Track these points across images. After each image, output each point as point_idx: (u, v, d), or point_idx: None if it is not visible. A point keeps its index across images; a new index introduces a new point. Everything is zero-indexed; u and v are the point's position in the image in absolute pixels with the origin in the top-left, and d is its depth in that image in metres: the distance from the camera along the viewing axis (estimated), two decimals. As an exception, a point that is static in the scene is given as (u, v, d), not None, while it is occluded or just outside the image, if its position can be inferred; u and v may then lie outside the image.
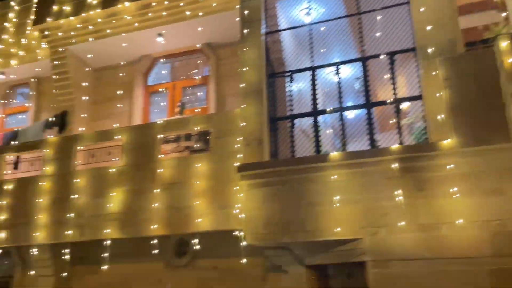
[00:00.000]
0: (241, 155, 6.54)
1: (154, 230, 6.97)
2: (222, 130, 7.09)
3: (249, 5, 7.13)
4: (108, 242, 7.37)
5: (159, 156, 7.41)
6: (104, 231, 7.23)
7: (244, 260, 6.64)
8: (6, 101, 10.99)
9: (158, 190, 7.12)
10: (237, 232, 6.57)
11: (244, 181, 6.28)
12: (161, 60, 9.77)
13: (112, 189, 7.43)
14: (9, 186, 8.13)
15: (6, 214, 7.97)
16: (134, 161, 7.53)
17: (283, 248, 6.30)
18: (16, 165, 8.67)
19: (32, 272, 7.93)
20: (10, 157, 8.60)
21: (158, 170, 7.25)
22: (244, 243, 6.36)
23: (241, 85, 6.83)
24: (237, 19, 7.36)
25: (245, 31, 7.03)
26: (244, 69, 6.84)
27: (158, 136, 7.51)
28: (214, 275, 7.05)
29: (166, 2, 8.35)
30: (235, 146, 6.81)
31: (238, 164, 6.41)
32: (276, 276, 6.48)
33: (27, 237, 7.71)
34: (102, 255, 7.37)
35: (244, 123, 6.61)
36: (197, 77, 9.35)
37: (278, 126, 6.74)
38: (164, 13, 8.44)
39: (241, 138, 6.66)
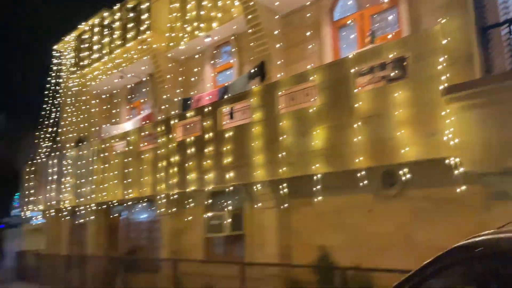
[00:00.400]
0: (446, 76, 5.94)
1: (359, 163, 7.12)
2: (420, 53, 6.54)
3: None
4: (318, 176, 7.91)
5: (355, 90, 7.37)
6: (313, 166, 7.76)
7: (461, 189, 6.21)
8: (214, 61, 12.54)
9: (359, 123, 7.16)
10: (449, 160, 6.14)
11: (453, 104, 5.73)
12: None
13: (314, 127, 7.83)
14: (229, 134, 9.44)
15: (230, 157, 9.34)
16: (331, 99, 7.71)
17: (507, 173, 5.61)
18: (231, 115, 9.95)
19: (258, 205, 9.20)
20: (226, 108, 9.90)
21: (355, 104, 7.25)
22: (459, 170, 5.91)
23: (439, -3, 6.09)
24: None
25: None
26: (442, -23, 6.04)
27: (351, 70, 7.44)
28: (427, 205, 6.84)
29: None
30: (438, 67, 6.22)
31: (444, 86, 5.86)
32: (502, 204, 5.86)
33: (249, 175, 8.92)
34: (314, 188, 7.99)
35: (447, 40, 5.92)
36: (385, 0, 8.72)
37: (491, 36, 5.81)
38: None
39: (444, 58, 6.02)
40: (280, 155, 8.30)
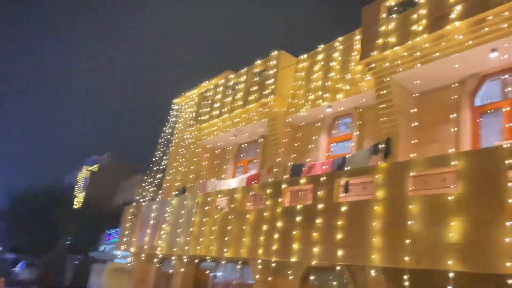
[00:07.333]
0: None
1: (510, 268, 6.08)
2: None
3: None
4: (451, 274, 6.92)
5: (509, 184, 6.50)
6: (444, 261, 6.82)
7: None
8: (331, 131, 12.36)
9: (511, 222, 6.21)
10: None
11: None
12: (493, 77, 8.84)
13: (450, 218, 6.99)
14: (344, 208, 8.86)
15: (342, 234, 8.66)
16: (474, 189, 6.89)
17: None
18: (346, 189, 9.40)
19: (367, 292, 8.28)
20: (343, 181, 9.40)
21: (509, 200, 6.36)
22: None
23: None
24: None
25: None
26: None
27: (505, 162, 6.63)
28: None
29: (506, 13, 7.51)
30: None
31: None
32: None
33: (363, 257, 8.12)
34: (445, 287, 6.96)
35: None
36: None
37: None
38: (503, 26, 7.60)
39: None
40: (404, 241, 7.48)
